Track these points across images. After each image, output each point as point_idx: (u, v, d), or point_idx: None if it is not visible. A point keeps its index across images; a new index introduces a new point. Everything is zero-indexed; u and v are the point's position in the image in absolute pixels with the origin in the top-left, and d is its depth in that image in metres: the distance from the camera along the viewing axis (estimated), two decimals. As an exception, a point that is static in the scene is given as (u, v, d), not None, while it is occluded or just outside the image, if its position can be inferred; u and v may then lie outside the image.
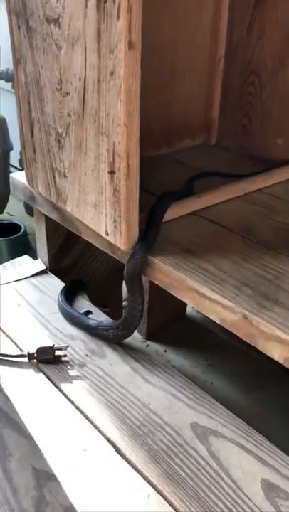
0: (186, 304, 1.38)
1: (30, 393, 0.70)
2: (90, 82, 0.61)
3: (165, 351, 1.26)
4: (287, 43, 0.86)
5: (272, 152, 0.95)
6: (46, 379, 0.72)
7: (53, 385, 0.71)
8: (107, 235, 0.70)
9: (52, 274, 0.96)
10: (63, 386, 0.71)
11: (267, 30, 0.88)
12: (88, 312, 0.86)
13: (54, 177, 0.77)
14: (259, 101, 0.95)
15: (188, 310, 1.39)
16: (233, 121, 1.00)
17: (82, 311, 0.86)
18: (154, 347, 1.26)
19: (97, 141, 0.64)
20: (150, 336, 1.29)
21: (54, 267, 0.97)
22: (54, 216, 0.85)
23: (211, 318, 0.62)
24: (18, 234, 1.57)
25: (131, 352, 0.77)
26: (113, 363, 0.75)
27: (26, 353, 0.75)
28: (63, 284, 0.92)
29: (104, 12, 0.55)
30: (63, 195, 0.77)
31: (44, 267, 0.96)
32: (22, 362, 0.75)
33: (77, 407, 0.68)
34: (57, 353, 0.75)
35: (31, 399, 0.69)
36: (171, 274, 0.65)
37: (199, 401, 0.69)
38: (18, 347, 0.78)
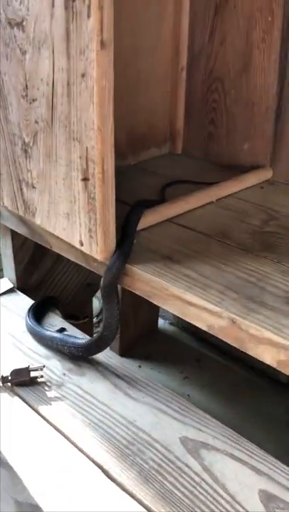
0: (157, 318, 1.36)
1: (6, 419, 0.65)
2: (59, 86, 0.59)
3: (139, 367, 1.22)
4: (249, 47, 0.86)
5: (239, 158, 0.95)
6: (23, 402, 0.68)
7: (30, 409, 0.67)
8: (82, 245, 0.67)
9: (20, 293, 0.91)
10: (42, 409, 0.67)
11: (228, 36, 0.89)
12: (62, 329, 0.82)
13: (21, 189, 0.74)
14: (224, 107, 0.95)
15: (160, 323, 1.36)
16: (198, 129, 1.00)
17: (55, 329, 0.82)
18: (128, 363, 1.22)
19: (69, 148, 0.61)
20: (123, 352, 1.25)
21: (22, 285, 0.93)
22: (22, 230, 0.81)
23: (197, 325, 0.59)
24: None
25: (110, 367, 0.74)
26: (93, 381, 0.71)
27: (-1, 377, 0.70)
28: (32, 302, 0.88)
29: (73, 11, 0.53)
30: (32, 207, 0.73)
31: (11, 285, 0.92)
32: (-5, 386, 0.70)
33: (59, 431, 0.64)
34: (32, 374, 0.71)
35: (8, 425, 0.64)
36: (151, 282, 0.63)
37: (187, 413, 0.66)
38: (-11, 371, 0.73)
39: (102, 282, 0.67)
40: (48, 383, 0.71)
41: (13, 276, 0.92)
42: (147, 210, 0.75)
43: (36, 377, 0.71)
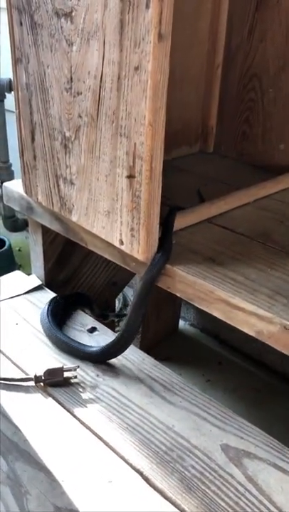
0: (178, 319, 1.34)
1: (41, 421, 0.63)
2: (108, 79, 0.57)
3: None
4: (291, 45, 0.84)
5: (274, 158, 0.93)
6: (57, 404, 0.66)
7: (65, 411, 0.65)
8: (122, 244, 0.65)
9: (48, 290, 0.90)
10: (77, 411, 0.65)
11: (269, 32, 0.87)
12: (93, 329, 0.80)
13: (58, 185, 0.72)
14: (260, 106, 0.92)
15: (180, 325, 1.34)
16: (232, 128, 0.98)
17: (86, 328, 0.80)
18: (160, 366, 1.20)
19: (114, 144, 0.60)
20: (144, 353, 1.23)
21: (50, 282, 0.91)
22: (55, 227, 0.79)
23: (244, 330, 0.57)
24: (4, 249, 1.49)
25: (144, 369, 0.72)
26: (127, 383, 0.70)
27: (33, 376, 0.68)
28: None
29: (130, 1, 0.51)
30: (68, 203, 0.72)
31: (40, 282, 0.90)
32: (28, 386, 0.68)
33: (95, 434, 0.62)
34: (66, 374, 0.69)
35: (43, 427, 0.62)
36: (196, 285, 0.61)
37: (226, 420, 0.65)
38: (21, 370, 0.71)
39: (140, 283, 0.65)
40: (82, 384, 0.69)
41: (42, 273, 0.90)
42: (186, 210, 0.73)
43: (70, 377, 0.69)
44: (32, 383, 0.68)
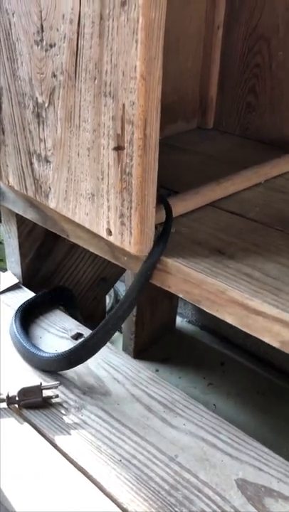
0: (175, 315, 1.22)
1: (15, 453, 0.51)
2: (88, 22, 0.44)
3: (157, 371, 1.09)
4: (306, -2, 0.72)
5: (284, 132, 0.81)
6: (34, 430, 0.54)
7: (44, 439, 0.53)
8: (110, 234, 0.53)
9: (26, 289, 0.77)
10: (59, 440, 0.53)
11: (278, -14, 0.74)
12: (79, 335, 0.68)
13: (31, 163, 0.60)
14: (268, 72, 0.80)
15: (177, 322, 1.23)
16: (234, 99, 0.86)
17: (70, 334, 0.68)
18: (145, 367, 1.09)
19: (98, 107, 0.47)
20: (138, 354, 1.12)
21: (28, 280, 0.79)
22: (30, 215, 0.67)
23: (265, 340, 0.46)
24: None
25: (140, 383, 0.60)
26: (120, 401, 0.58)
27: (5, 396, 0.56)
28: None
29: None
30: (44, 186, 0.59)
31: (16, 281, 0.78)
32: (0, 408, 0.56)
33: (81, 469, 0.50)
34: (45, 393, 0.57)
35: (16, 460, 0.51)
36: (204, 284, 0.49)
37: (240, 446, 0.53)
38: (-9, 388, 0.59)
39: (135, 280, 0.53)
40: (65, 405, 0.57)
41: (18, 270, 0.78)
42: (186, 193, 0.61)
43: (50, 396, 0.57)
44: (4, 405, 0.56)
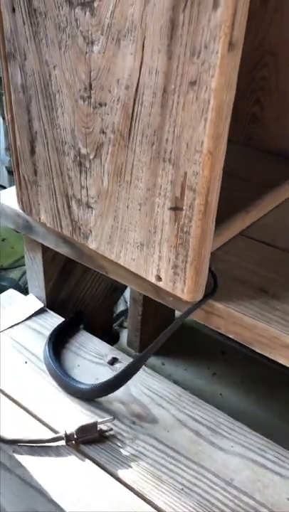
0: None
1: (82, 491, 0.55)
2: (148, 92, 0.45)
3: (163, 364, 1.14)
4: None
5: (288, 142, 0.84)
6: (97, 467, 0.57)
7: (107, 474, 0.57)
8: (159, 280, 0.55)
9: (52, 312, 0.79)
10: (121, 473, 0.57)
11: (287, 1, 0.75)
12: (114, 360, 0.71)
13: (69, 206, 0.60)
14: (274, 86, 0.82)
15: (177, 313, 1.27)
16: (239, 110, 0.87)
17: (107, 359, 0.71)
18: (151, 361, 1.14)
19: (154, 170, 0.48)
20: (143, 349, 1.16)
21: (51, 303, 0.80)
22: (64, 251, 0.68)
23: None
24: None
25: (183, 408, 0.64)
26: (169, 428, 0.62)
27: (63, 435, 0.59)
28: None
29: (189, -3, 0.38)
30: (84, 228, 0.60)
31: (42, 305, 0.79)
32: (58, 446, 0.59)
33: (148, 501, 0.54)
34: (99, 426, 0.60)
35: (83, 497, 0.54)
36: (256, 329, 0.52)
37: (286, 464, 0.59)
38: (47, 426, 0.61)
39: (180, 317, 0.57)
40: (119, 437, 0.61)
41: (42, 294, 0.79)
42: (220, 226, 0.63)
43: (105, 431, 0.60)
44: (62, 442, 0.59)
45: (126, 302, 1.21)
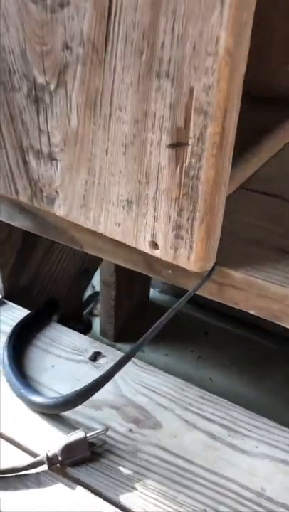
0: (149, 289, 1.14)
1: (78, 531, 0.42)
2: (132, -28, 0.31)
3: (143, 351, 1.02)
4: None
5: (279, 83, 0.72)
6: (90, 493, 0.44)
7: (106, 502, 0.44)
8: (155, 247, 0.42)
9: (12, 304, 0.64)
10: (124, 499, 0.44)
11: None
12: (96, 355, 0.58)
13: (25, 161, 0.46)
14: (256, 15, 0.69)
15: (150, 293, 1.15)
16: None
17: (88, 354, 0.58)
18: (126, 350, 1.01)
19: (145, 91, 0.35)
20: (119, 337, 1.03)
21: (10, 292, 0.66)
22: (21, 223, 0.53)
23: None
24: None
25: (190, 405, 0.52)
26: (176, 433, 0.50)
27: (44, 457, 0.45)
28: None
29: None
30: (47, 189, 0.46)
31: (-1, 296, 0.64)
32: (38, 473, 0.46)
33: (164, 533, 0.42)
34: (89, 441, 0.47)
35: None
36: (287, 299, 0.41)
37: None
38: (17, 446, 0.48)
39: (185, 297, 0.44)
40: (116, 451, 0.48)
41: (-2, 283, 0.64)
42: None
43: (97, 446, 0.47)
44: (45, 467, 0.46)
45: (93, 287, 1.08)
